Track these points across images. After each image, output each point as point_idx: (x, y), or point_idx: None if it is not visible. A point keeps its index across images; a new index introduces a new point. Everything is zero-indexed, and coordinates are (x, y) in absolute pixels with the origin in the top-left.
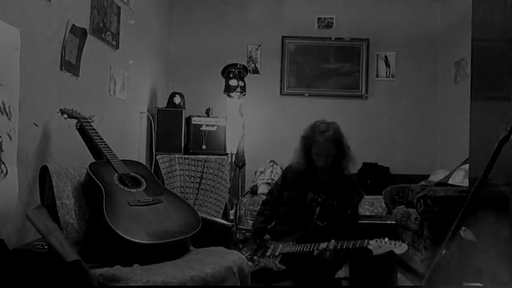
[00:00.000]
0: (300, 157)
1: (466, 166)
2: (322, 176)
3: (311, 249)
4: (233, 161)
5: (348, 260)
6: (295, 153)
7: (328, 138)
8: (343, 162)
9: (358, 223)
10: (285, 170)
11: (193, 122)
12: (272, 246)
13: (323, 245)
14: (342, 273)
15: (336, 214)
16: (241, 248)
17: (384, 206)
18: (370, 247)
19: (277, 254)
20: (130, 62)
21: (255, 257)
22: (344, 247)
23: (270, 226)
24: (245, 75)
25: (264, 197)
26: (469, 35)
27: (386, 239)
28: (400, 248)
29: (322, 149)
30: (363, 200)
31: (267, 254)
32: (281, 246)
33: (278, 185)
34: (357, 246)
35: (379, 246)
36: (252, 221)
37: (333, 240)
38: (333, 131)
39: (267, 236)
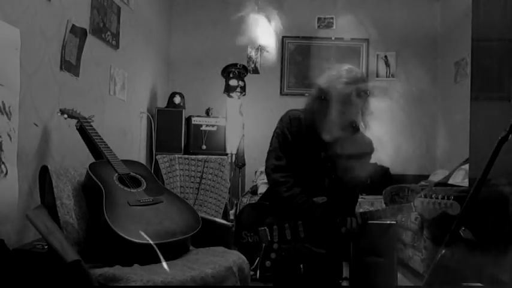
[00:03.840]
0: (317, 111)
1: (466, 166)
2: (332, 132)
3: (338, 224)
4: (233, 161)
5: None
6: (309, 103)
7: (364, 97)
8: (364, 117)
9: (366, 178)
10: (289, 123)
11: (193, 122)
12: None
13: (351, 220)
14: (342, 273)
15: (351, 171)
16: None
17: (384, 206)
18: (418, 210)
19: (302, 236)
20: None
21: (274, 245)
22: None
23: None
24: (245, 75)
25: (276, 161)
26: (469, 35)
27: (433, 196)
28: (453, 208)
29: (354, 107)
30: (363, 200)
31: (288, 238)
32: (301, 222)
33: (289, 141)
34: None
35: (428, 210)
36: None
37: (358, 213)
38: (365, 84)
39: (300, 223)
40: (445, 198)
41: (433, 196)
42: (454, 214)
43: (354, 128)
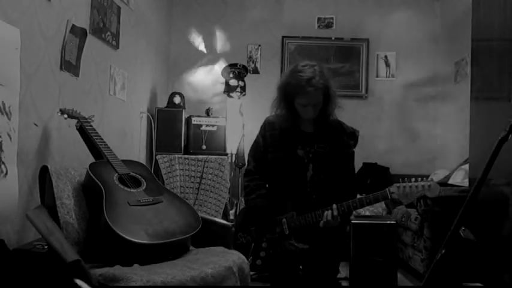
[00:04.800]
0: (283, 110)
1: (466, 166)
2: (306, 128)
3: (317, 219)
4: (233, 161)
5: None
6: (274, 106)
7: (318, 86)
8: (329, 108)
9: (354, 172)
10: (263, 128)
11: (193, 122)
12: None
13: (327, 213)
14: (342, 273)
15: (332, 165)
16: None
17: (384, 206)
18: (394, 196)
19: (287, 232)
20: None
21: (263, 244)
22: (357, 205)
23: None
24: (245, 75)
25: (247, 166)
26: (469, 35)
27: (413, 180)
28: (431, 190)
29: (311, 99)
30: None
31: (276, 236)
32: (285, 220)
33: (261, 147)
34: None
35: (405, 194)
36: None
37: (334, 205)
38: (320, 75)
39: (284, 220)
40: (423, 180)
41: (411, 180)
42: (433, 196)
43: (322, 120)
